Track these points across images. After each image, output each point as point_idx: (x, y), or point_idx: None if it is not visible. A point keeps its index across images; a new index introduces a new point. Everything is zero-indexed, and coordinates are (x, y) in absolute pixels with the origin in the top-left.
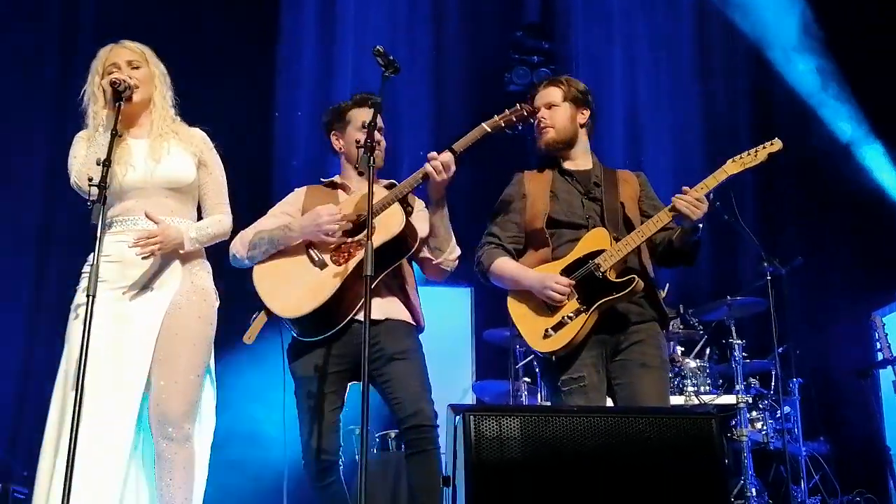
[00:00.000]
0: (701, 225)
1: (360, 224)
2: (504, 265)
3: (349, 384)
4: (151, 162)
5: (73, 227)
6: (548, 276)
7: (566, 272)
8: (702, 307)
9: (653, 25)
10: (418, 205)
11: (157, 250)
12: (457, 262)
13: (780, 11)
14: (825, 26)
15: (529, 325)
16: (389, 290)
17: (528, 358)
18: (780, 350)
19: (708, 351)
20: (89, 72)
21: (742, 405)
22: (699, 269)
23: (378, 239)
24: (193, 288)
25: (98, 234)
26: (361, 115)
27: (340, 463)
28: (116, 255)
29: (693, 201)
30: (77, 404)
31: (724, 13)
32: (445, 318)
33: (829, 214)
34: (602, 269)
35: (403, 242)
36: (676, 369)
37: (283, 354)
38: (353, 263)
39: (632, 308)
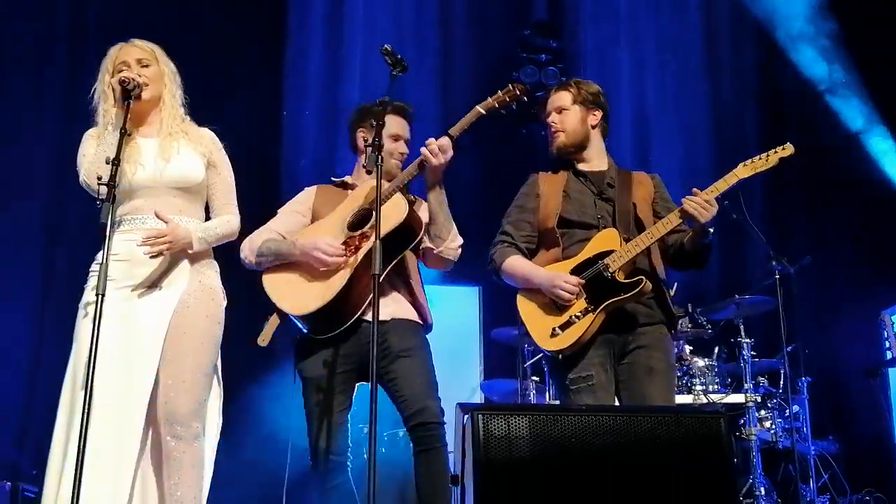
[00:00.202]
0: (711, 229)
1: (364, 217)
2: (515, 263)
3: (357, 384)
4: (161, 161)
5: (80, 226)
6: (557, 275)
7: (576, 272)
8: (710, 306)
9: (661, 24)
10: (420, 201)
11: (166, 250)
12: (459, 250)
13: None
14: (836, 17)
15: (538, 324)
16: (396, 290)
17: (537, 357)
18: (789, 349)
19: (716, 350)
20: (100, 70)
21: (751, 404)
22: (707, 268)
23: (383, 229)
24: (201, 287)
25: (107, 233)
26: (395, 124)
27: (349, 463)
28: (125, 253)
29: (703, 203)
30: (86, 403)
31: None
32: (454, 317)
33: (838, 213)
34: (611, 270)
35: (408, 230)
36: (685, 368)
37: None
38: (360, 255)
39: (640, 309)
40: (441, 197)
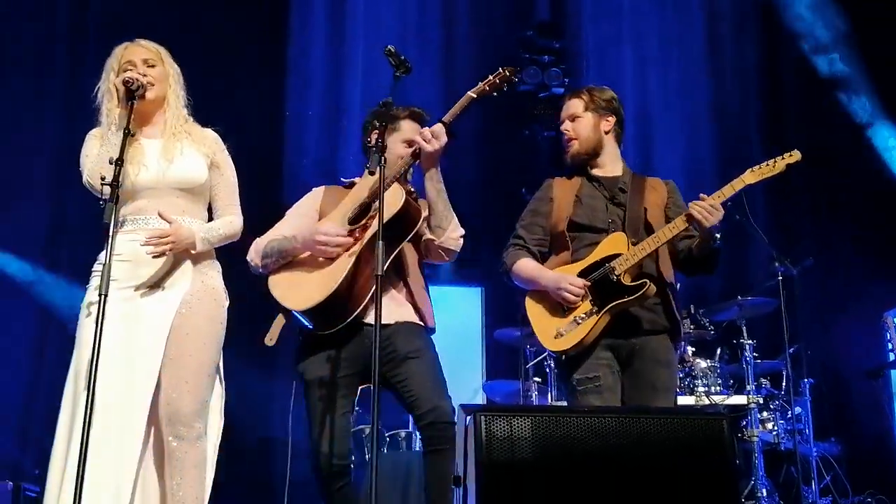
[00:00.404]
0: (718, 234)
1: (364, 210)
2: (524, 265)
3: (360, 387)
4: (164, 162)
5: (82, 226)
6: (563, 276)
7: (583, 274)
8: (713, 307)
9: (663, 23)
10: (422, 202)
11: (169, 250)
12: (461, 240)
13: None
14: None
15: (543, 324)
16: (395, 290)
17: (539, 358)
18: (791, 350)
19: (719, 351)
20: (104, 69)
21: (753, 405)
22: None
23: (383, 217)
24: (204, 287)
25: (110, 233)
26: (410, 129)
27: (351, 466)
28: (128, 254)
29: (708, 208)
30: (89, 403)
31: None
32: (456, 317)
33: (841, 214)
34: (616, 273)
35: (406, 219)
36: (687, 369)
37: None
38: (360, 246)
39: (644, 315)
40: (439, 185)
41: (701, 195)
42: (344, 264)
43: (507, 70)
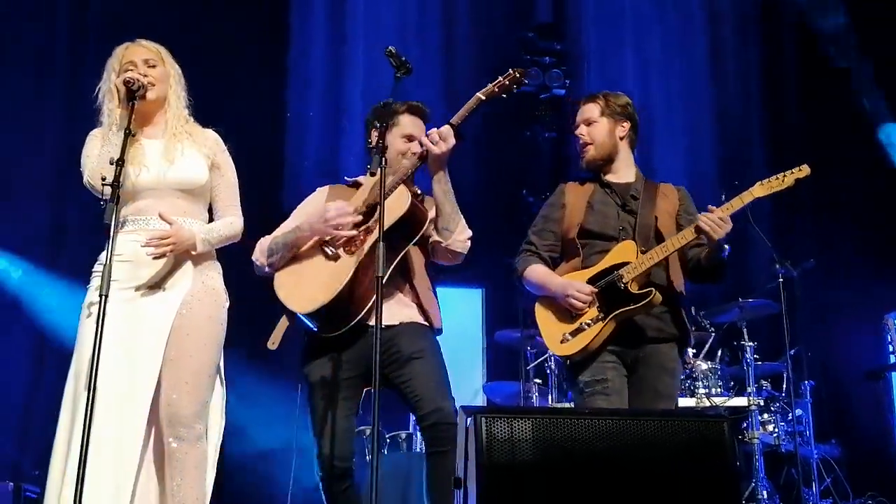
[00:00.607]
0: (726, 245)
1: (369, 211)
2: (534, 271)
3: (364, 389)
4: (165, 163)
5: (82, 226)
6: (571, 283)
7: (592, 281)
8: (713, 309)
9: (664, 25)
10: (429, 200)
11: (170, 251)
12: (468, 243)
13: None
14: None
15: (551, 329)
16: (401, 292)
17: (539, 359)
18: (792, 352)
19: (719, 353)
20: (105, 69)
21: (753, 407)
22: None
23: (387, 220)
24: (204, 288)
25: (111, 234)
26: (410, 123)
27: (354, 468)
28: (128, 254)
29: (717, 220)
30: (89, 404)
31: None
32: (456, 319)
33: (842, 216)
34: (624, 281)
35: (412, 222)
36: (688, 371)
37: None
38: (366, 248)
39: (651, 323)
40: (446, 187)
41: (710, 207)
42: (348, 267)
43: (516, 71)
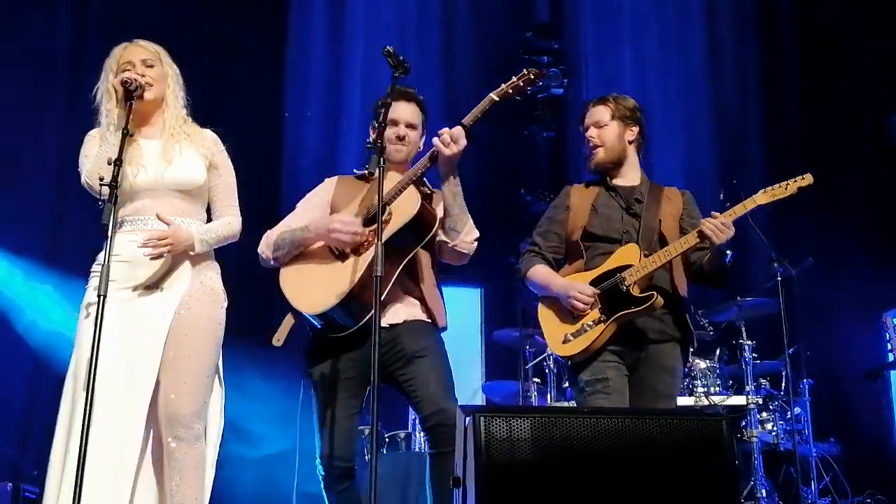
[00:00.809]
0: (729, 251)
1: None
2: (537, 272)
3: (367, 388)
4: (163, 163)
5: (81, 226)
6: (573, 284)
7: (594, 283)
8: (712, 308)
9: (662, 24)
10: (437, 194)
11: (167, 252)
12: (475, 244)
13: None
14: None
15: (553, 330)
16: (408, 292)
17: (538, 358)
18: (791, 351)
19: (718, 352)
20: (103, 69)
21: (752, 406)
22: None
23: (396, 223)
24: (202, 288)
25: (109, 234)
26: (396, 109)
27: (356, 467)
28: (126, 254)
29: (719, 225)
30: (87, 404)
31: None
32: (455, 318)
33: (840, 215)
34: (626, 283)
35: (421, 224)
36: (686, 370)
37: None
38: (373, 250)
39: (652, 325)
40: (456, 189)
41: (713, 213)
42: (356, 268)
43: (531, 72)
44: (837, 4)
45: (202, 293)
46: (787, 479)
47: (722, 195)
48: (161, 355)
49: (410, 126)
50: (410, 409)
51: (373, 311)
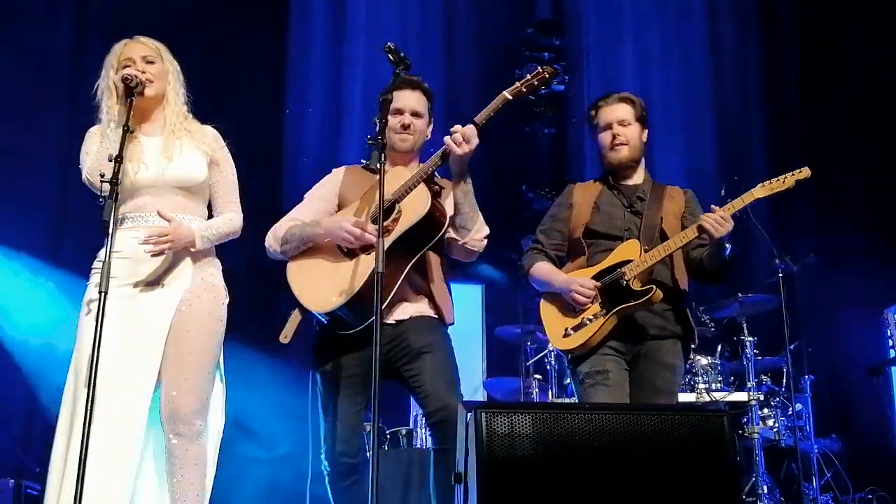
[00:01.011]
0: (728, 245)
1: (388, 210)
2: (540, 268)
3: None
4: (163, 160)
5: (84, 223)
6: (574, 279)
7: (596, 278)
8: (713, 304)
9: (664, 21)
10: (447, 188)
11: (168, 249)
12: (485, 241)
13: None
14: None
15: (554, 324)
16: (417, 290)
17: (539, 355)
18: (792, 347)
19: (719, 348)
20: (103, 66)
21: (754, 402)
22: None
23: (406, 222)
24: (204, 285)
25: (110, 231)
26: (401, 98)
27: (360, 464)
28: (127, 251)
29: (718, 219)
30: (89, 401)
31: None
32: (457, 314)
33: (842, 211)
34: (627, 278)
35: (432, 222)
36: (688, 366)
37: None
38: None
39: (653, 321)
40: (467, 187)
41: (712, 207)
42: (363, 267)
43: (546, 71)
44: (838, 4)
45: (203, 290)
46: (789, 475)
47: (723, 191)
48: (162, 352)
49: (416, 114)
50: (411, 405)
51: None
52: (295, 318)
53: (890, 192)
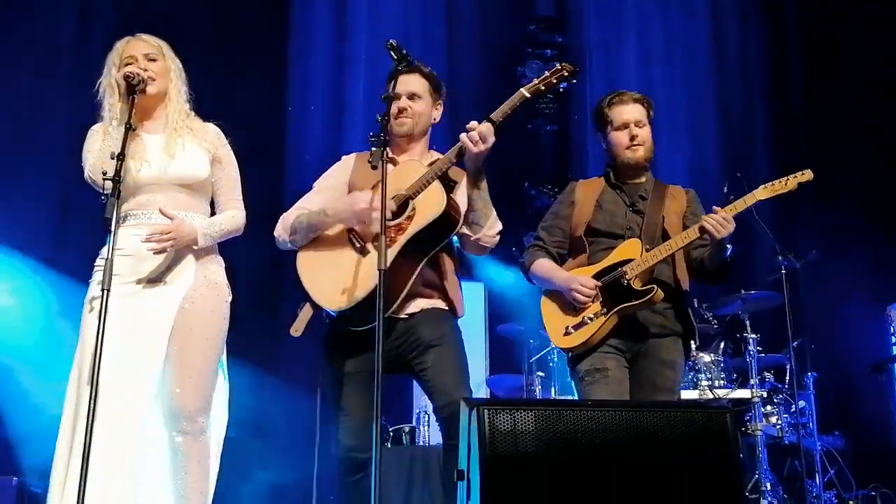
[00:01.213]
0: (729, 246)
1: (402, 205)
2: (541, 266)
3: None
4: (166, 158)
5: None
6: (575, 277)
7: (596, 277)
8: (716, 301)
9: (667, 20)
10: (461, 179)
11: (170, 246)
12: (497, 237)
13: None
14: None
15: (555, 322)
16: (428, 284)
17: (542, 352)
18: (795, 344)
19: (722, 345)
20: (105, 64)
21: (757, 399)
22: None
23: (421, 221)
24: (206, 282)
25: (112, 228)
26: (400, 83)
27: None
28: (130, 249)
29: (720, 220)
30: (92, 398)
31: None
32: None
33: (845, 208)
34: (627, 277)
35: (448, 221)
36: (691, 363)
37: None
38: (394, 251)
39: (654, 319)
40: (481, 184)
41: (714, 208)
42: (372, 265)
43: (565, 68)
44: (838, 4)
45: (206, 287)
46: (792, 472)
47: (726, 188)
48: (164, 350)
49: (413, 96)
50: (414, 403)
51: (393, 306)
52: (306, 311)
53: (893, 189)
